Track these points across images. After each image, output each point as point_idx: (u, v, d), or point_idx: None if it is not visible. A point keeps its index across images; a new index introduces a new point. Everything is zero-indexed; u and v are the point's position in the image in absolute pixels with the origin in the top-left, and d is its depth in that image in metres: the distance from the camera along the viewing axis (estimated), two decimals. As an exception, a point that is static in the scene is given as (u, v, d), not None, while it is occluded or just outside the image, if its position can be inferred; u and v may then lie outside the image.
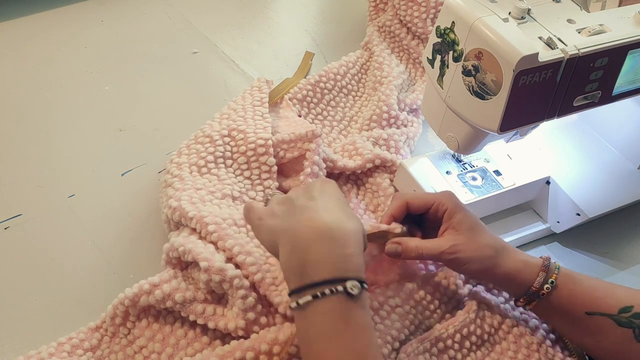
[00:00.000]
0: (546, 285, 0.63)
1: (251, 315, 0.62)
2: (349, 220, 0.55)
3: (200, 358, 0.62)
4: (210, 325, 0.64)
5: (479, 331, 0.66)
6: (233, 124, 0.80)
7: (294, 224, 0.54)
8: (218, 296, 0.65)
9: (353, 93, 0.97)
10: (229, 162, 0.78)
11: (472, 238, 0.64)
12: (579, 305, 0.63)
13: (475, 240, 0.64)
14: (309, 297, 0.51)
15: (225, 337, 0.65)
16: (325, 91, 0.94)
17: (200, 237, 0.68)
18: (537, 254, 0.80)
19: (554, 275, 0.64)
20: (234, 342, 0.61)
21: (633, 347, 0.62)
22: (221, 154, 0.78)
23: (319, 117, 0.92)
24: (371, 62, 0.99)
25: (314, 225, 0.53)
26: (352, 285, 0.50)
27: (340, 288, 0.50)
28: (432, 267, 0.74)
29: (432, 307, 0.68)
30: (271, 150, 0.78)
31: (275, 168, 0.78)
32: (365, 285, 0.52)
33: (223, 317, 0.63)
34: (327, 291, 0.50)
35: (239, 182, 0.77)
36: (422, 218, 0.68)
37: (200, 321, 0.64)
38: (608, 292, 0.64)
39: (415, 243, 0.65)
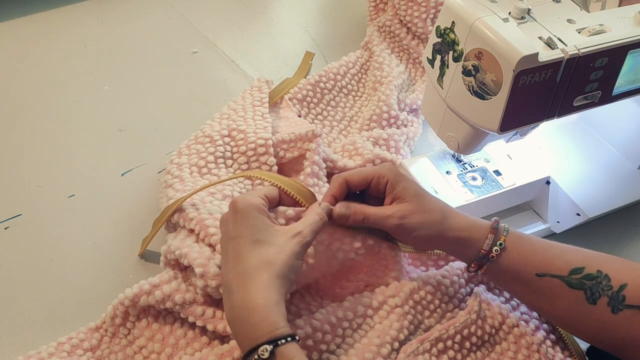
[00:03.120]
0: (495, 248, 0.63)
1: None
2: (255, 275, 0.56)
3: (199, 357, 0.62)
4: (209, 327, 0.63)
5: (479, 332, 0.66)
6: (233, 124, 0.80)
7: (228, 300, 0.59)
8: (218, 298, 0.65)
9: (353, 93, 0.97)
10: (229, 162, 0.78)
11: (418, 204, 0.63)
12: (529, 267, 0.63)
13: (421, 205, 0.63)
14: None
15: (224, 337, 0.65)
16: (325, 91, 0.94)
17: (198, 240, 0.68)
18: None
19: (503, 237, 0.63)
20: (232, 342, 0.61)
21: (586, 309, 0.61)
22: (221, 154, 0.78)
23: (319, 117, 0.92)
24: (371, 62, 0.99)
25: (227, 309, 0.58)
26: (262, 350, 0.53)
27: (256, 357, 0.53)
28: (432, 268, 0.74)
29: (432, 307, 0.68)
30: (271, 150, 0.78)
31: (275, 168, 0.78)
32: (282, 341, 0.53)
33: (222, 320, 0.63)
34: None
35: (239, 182, 0.77)
36: (363, 197, 0.67)
37: (199, 323, 0.64)
38: (559, 253, 0.63)
39: (360, 207, 0.64)
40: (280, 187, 0.65)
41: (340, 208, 0.64)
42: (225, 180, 0.70)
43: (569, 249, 0.64)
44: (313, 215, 0.62)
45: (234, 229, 0.60)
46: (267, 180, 0.66)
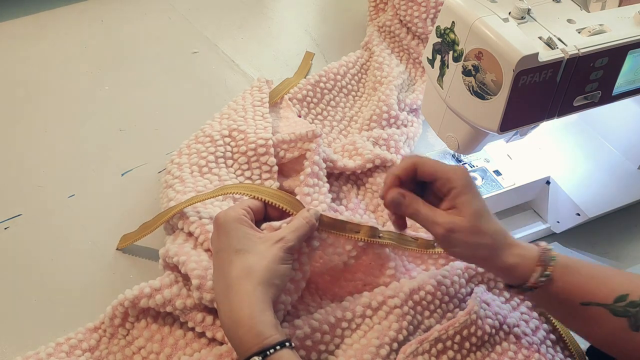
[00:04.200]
0: (541, 279, 0.61)
1: None
2: (237, 285, 0.57)
3: (198, 358, 0.62)
4: (208, 334, 0.63)
5: (479, 332, 0.66)
6: (234, 124, 0.80)
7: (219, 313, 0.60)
8: None
9: (353, 93, 0.97)
10: (230, 162, 0.78)
11: (473, 223, 0.60)
12: (574, 296, 0.62)
13: (476, 226, 0.61)
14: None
15: (223, 338, 0.65)
16: (325, 91, 0.94)
17: (196, 245, 0.68)
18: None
19: (550, 267, 0.61)
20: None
21: (629, 336, 0.61)
22: (222, 154, 0.77)
23: (319, 117, 0.92)
24: (371, 62, 0.99)
25: (220, 322, 0.59)
26: None
27: None
28: (432, 267, 0.74)
29: (432, 307, 0.68)
30: (272, 150, 0.78)
31: (275, 168, 0.78)
32: (271, 351, 0.54)
33: (221, 329, 0.63)
34: None
35: (239, 182, 0.77)
36: (423, 188, 0.65)
37: (198, 329, 0.64)
38: (604, 280, 0.62)
39: (415, 200, 0.62)
40: (262, 199, 0.65)
41: (394, 194, 0.62)
42: (208, 197, 0.69)
43: (613, 274, 0.63)
44: (299, 220, 0.62)
45: (217, 243, 0.61)
46: (247, 194, 0.66)
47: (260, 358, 0.54)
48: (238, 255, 0.59)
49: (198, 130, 0.81)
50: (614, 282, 0.62)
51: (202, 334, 0.65)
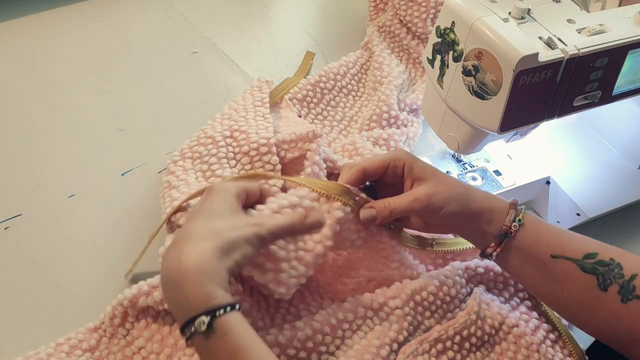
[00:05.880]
0: (514, 224, 0.63)
1: None
2: (196, 240, 0.53)
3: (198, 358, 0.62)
4: None
5: (479, 332, 0.66)
6: (235, 124, 0.80)
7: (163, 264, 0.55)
8: None
9: (353, 93, 0.97)
10: (233, 162, 0.78)
11: (440, 180, 0.63)
12: (544, 247, 0.63)
13: (443, 181, 0.63)
14: (183, 341, 0.53)
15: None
16: (325, 91, 0.94)
17: None
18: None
19: (522, 214, 0.64)
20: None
21: (596, 295, 0.61)
22: (224, 154, 0.77)
23: (319, 117, 0.92)
24: (371, 62, 0.99)
25: (164, 271, 0.54)
26: (199, 323, 0.50)
27: (193, 329, 0.50)
28: (432, 268, 0.74)
29: (433, 307, 0.68)
30: (274, 149, 0.78)
31: (279, 167, 0.78)
32: (221, 312, 0.50)
33: None
34: (187, 334, 0.51)
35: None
36: (374, 189, 0.66)
37: None
38: (573, 238, 0.64)
39: (384, 202, 0.63)
40: (319, 191, 0.63)
41: (365, 212, 0.63)
42: (258, 175, 0.68)
43: (581, 236, 0.65)
44: (287, 218, 0.60)
45: (199, 205, 0.58)
46: (306, 186, 0.63)
47: (208, 318, 0.49)
48: (210, 217, 0.55)
49: (199, 131, 0.80)
50: (583, 241, 0.64)
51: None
